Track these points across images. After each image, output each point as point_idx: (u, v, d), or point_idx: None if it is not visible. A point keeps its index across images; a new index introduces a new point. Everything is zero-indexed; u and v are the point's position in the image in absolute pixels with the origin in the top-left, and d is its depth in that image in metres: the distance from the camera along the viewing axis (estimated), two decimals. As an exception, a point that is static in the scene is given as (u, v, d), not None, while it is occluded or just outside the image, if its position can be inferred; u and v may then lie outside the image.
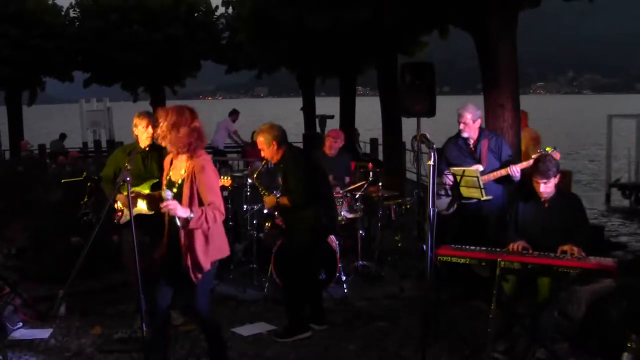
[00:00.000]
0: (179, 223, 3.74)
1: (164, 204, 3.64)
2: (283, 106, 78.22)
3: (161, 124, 3.79)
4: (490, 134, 5.79)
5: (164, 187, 3.91)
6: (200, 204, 3.80)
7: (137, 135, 5.13)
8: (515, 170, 5.39)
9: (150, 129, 5.01)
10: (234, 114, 15.12)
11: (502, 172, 5.48)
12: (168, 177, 3.96)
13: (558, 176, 4.41)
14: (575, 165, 24.32)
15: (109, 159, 5.43)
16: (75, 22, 20.50)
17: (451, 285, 5.85)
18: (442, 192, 5.68)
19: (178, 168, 3.92)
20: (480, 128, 5.72)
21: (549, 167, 4.35)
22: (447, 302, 5.67)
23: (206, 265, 3.86)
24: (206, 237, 3.85)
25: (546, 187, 4.39)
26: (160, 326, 4.09)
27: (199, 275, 3.86)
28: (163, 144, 3.86)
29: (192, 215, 3.66)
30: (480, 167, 5.53)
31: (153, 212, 4.50)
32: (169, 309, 4.15)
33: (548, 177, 4.35)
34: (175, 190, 3.85)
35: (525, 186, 4.64)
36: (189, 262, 3.84)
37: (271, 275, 6.18)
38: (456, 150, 5.75)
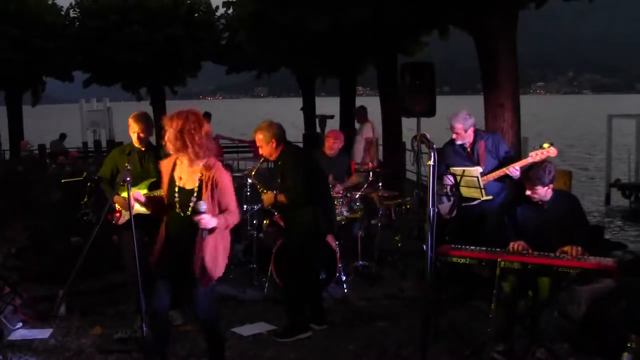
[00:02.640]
0: (204, 235, 3.70)
1: (198, 217, 3.61)
2: (283, 106, 78.33)
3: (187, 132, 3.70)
4: (486, 135, 5.78)
5: (193, 199, 3.78)
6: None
7: (130, 135, 5.14)
8: (514, 170, 5.39)
9: (142, 135, 5.02)
10: (206, 117, 14.40)
11: (502, 171, 5.48)
12: (179, 186, 3.84)
13: (551, 185, 4.36)
14: (575, 165, 24.33)
15: (105, 159, 5.44)
16: (75, 22, 20.52)
17: (451, 285, 5.85)
18: (444, 196, 5.69)
19: (189, 175, 3.85)
20: (475, 130, 5.71)
21: (538, 175, 4.28)
22: (447, 302, 5.67)
23: (215, 273, 3.85)
24: (216, 245, 3.84)
25: (532, 193, 4.35)
26: (161, 328, 4.08)
27: (209, 282, 3.84)
28: (181, 153, 3.76)
29: (215, 224, 3.66)
30: (479, 169, 5.54)
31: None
32: (168, 310, 4.14)
33: (534, 185, 4.31)
34: (194, 197, 3.80)
35: (524, 187, 4.63)
36: (200, 269, 3.80)
37: (271, 275, 6.18)
38: (454, 155, 5.74)
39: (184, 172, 3.88)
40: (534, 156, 5.19)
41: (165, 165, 3.98)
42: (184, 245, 3.82)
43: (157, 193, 4.42)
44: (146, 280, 4.01)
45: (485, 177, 5.50)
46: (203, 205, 3.61)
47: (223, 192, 3.81)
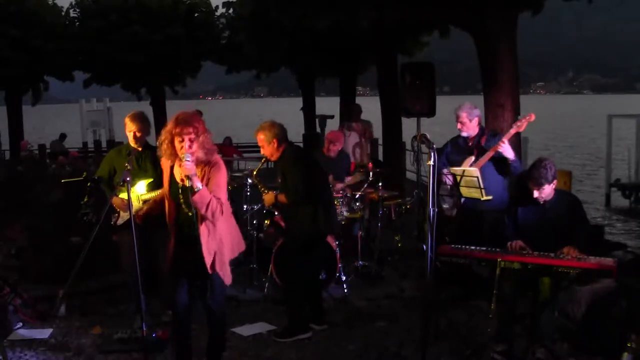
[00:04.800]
0: (198, 186, 3.76)
1: (183, 163, 3.72)
2: (283, 106, 78.35)
3: (198, 135, 3.81)
4: (491, 132, 5.80)
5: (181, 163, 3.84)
6: None
7: (127, 134, 5.14)
8: (502, 145, 5.35)
9: (138, 134, 5.02)
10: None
11: (492, 151, 5.46)
12: (182, 186, 3.92)
13: (554, 182, 4.37)
14: (575, 165, 24.33)
15: (103, 160, 5.44)
16: (75, 22, 20.51)
17: (451, 285, 5.85)
18: (446, 193, 5.69)
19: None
20: (480, 126, 5.73)
21: (542, 174, 4.28)
22: (447, 302, 5.67)
23: (227, 255, 4.02)
24: (222, 234, 3.97)
25: (540, 194, 4.35)
26: (185, 327, 4.15)
27: (216, 269, 3.95)
28: (200, 155, 3.84)
29: (200, 186, 3.74)
30: (472, 158, 5.56)
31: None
32: (188, 305, 4.17)
33: (541, 185, 4.31)
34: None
35: (525, 187, 4.63)
36: (208, 257, 3.90)
37: (271, 275, 6.18)
38: (455, 149, 5.79)
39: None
40: (517, 127, 5.36)
41: (165, 165, 4.05)
42: (196, 242, 3.89)
43: (154, 194, 4.58)
44: (145, 280, 4.02)
45: (476, 163, 5.52)
46: (187, 156, 3.73)
47: (213, 181, 3.88)
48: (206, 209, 3.75)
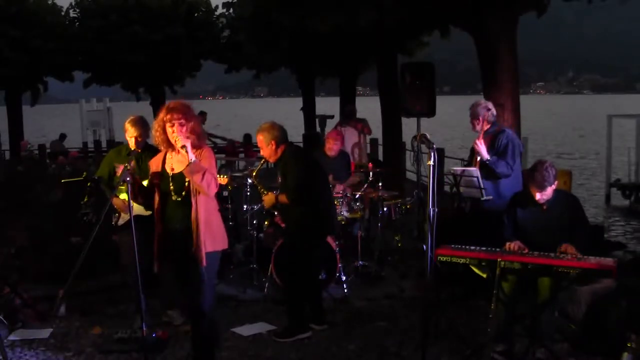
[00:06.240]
0: (192, 158, 3.91)
1: (179, 138, 3.93)
2: (283, 106, 78.30)
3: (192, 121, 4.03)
4: (501, 132, 5.65)
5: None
6: None
7: (128, 140, 5.16)
8: (477, 144, 5.41)
9: (140, 140, 5.04)
10: (201, 115, 14.40)
11: (476, 151, 5.45)
12: (172, 175, 4.10)
13: (556, 183, 4.37)
14: (575, 165, 24.33)
15: (103, 160, 5.45)
16: (75, 22, 20.53)
17: (451, 285, 5.85)
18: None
19: (179, 163, 4.09)
20: (493, 124, 5.65)
21: (545, 177, 4.26)
22: (447, 302, 5.67)
23: (214, 245, 4.06)
24: (209, 225, 4.04)
25: (542, 195, 4.35)
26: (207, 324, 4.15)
27: (204, 261, 4.00)
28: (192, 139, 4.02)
29: (194, 158, 3.90)
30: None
31: (150, 213, 4.53)
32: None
33: (544, 188, 4.31)
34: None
35: (525, 188, 4.63)
36: (199, 244, 3.97)
37: (271, 275, 6.18)
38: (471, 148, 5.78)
39: (175, 161, 4.12)
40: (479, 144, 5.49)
41: (155, 161, 4.22)
42: (182, 229, 4.03)
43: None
44: (145, 280, 4.02)
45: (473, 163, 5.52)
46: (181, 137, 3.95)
47: (204, 160, 4.04)
48: (202, 178, 3.89)
